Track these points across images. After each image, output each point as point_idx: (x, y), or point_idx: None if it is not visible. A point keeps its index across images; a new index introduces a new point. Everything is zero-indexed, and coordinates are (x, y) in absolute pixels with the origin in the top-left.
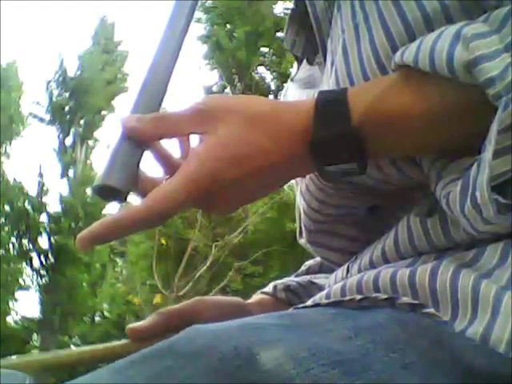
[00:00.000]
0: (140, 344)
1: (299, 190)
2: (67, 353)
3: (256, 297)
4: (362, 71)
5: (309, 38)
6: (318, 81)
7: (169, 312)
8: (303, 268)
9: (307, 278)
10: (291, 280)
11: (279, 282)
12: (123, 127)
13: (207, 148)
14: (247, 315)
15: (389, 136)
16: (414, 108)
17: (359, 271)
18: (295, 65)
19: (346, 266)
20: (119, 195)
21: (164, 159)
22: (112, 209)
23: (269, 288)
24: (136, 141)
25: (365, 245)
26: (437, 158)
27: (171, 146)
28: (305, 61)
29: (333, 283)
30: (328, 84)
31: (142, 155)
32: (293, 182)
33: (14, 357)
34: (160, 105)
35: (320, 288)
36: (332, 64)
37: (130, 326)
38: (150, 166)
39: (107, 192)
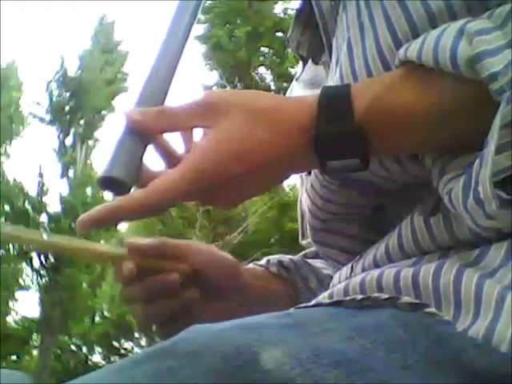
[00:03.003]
0: (134, 257)
1: (304, 188)
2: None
3: (249, 266)
4: (366, 68)
5: (314, 37)
6: (322, 81)
7: (166, 241)
8: (299, 255)
9: (301, 255)
10: (284, 256)
11: (272, 256)
12: (127, 120)
13: (210, 142)
14: (237, 276)
15: (391, 132)
16: (416, 104)
17: (363, 270)
18: (296, 65)
19: (350, 265)
20: (122, 187)
21: (167, 153)
22: None
23: (262, 261)
24: (139, 134)
25: (369, 244)
26: (439, 155)
27: (174, 141)
28: (310, 61)
29: (337, 282)
30: (332, 81)
31: (145, 149)
32: (294, 182)
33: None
34: (164, 100)
35: (312, 269)
36: (337, 62)
37: (130, 240)
38: (153, 160)
39: (111, 184)
